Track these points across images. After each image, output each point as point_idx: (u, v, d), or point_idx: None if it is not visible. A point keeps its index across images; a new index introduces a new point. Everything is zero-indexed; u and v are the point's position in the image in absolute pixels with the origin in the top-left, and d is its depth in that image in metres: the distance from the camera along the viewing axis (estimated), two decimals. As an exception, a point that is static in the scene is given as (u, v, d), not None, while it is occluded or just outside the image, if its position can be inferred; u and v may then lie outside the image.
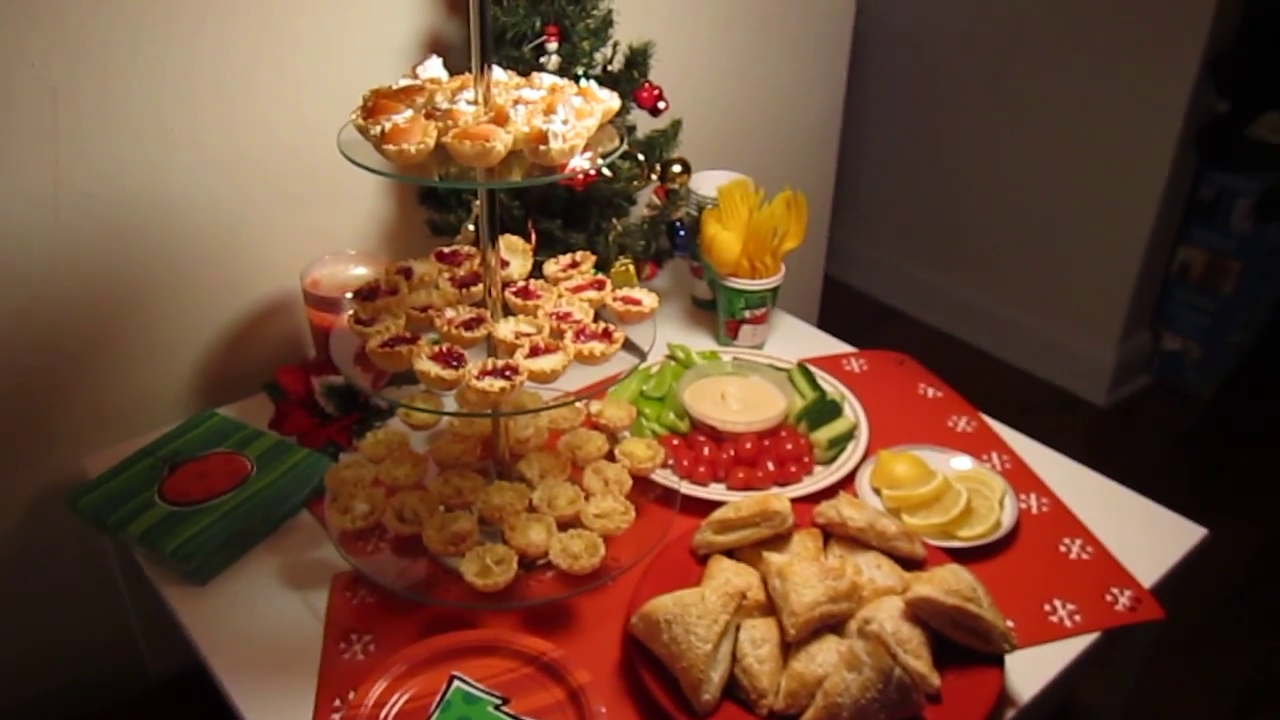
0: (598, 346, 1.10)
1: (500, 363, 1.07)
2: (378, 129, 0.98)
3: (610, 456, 1.31)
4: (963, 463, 1.41)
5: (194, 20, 1.34)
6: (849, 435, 1.44)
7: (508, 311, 1.18)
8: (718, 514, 1.22)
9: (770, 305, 1.64)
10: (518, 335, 1.12)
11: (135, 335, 1.47)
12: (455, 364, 1.07)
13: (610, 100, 1.10)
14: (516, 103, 1.04)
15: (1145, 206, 2.75)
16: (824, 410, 1.46)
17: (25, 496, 1.47)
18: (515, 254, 1.28)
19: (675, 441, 1.42)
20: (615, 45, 1.53)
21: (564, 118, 1.01)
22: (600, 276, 1.23)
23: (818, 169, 2.34)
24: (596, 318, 1.16)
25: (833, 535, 1.24)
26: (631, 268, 1.54)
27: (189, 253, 1.47)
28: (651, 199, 1.64)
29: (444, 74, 1.14)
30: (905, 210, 3.42)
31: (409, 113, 1.02)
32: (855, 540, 1.21)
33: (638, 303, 1.19)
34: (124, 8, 1.29)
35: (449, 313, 1.14)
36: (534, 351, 1.09)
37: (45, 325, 1.40)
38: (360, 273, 1.52)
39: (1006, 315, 3.24)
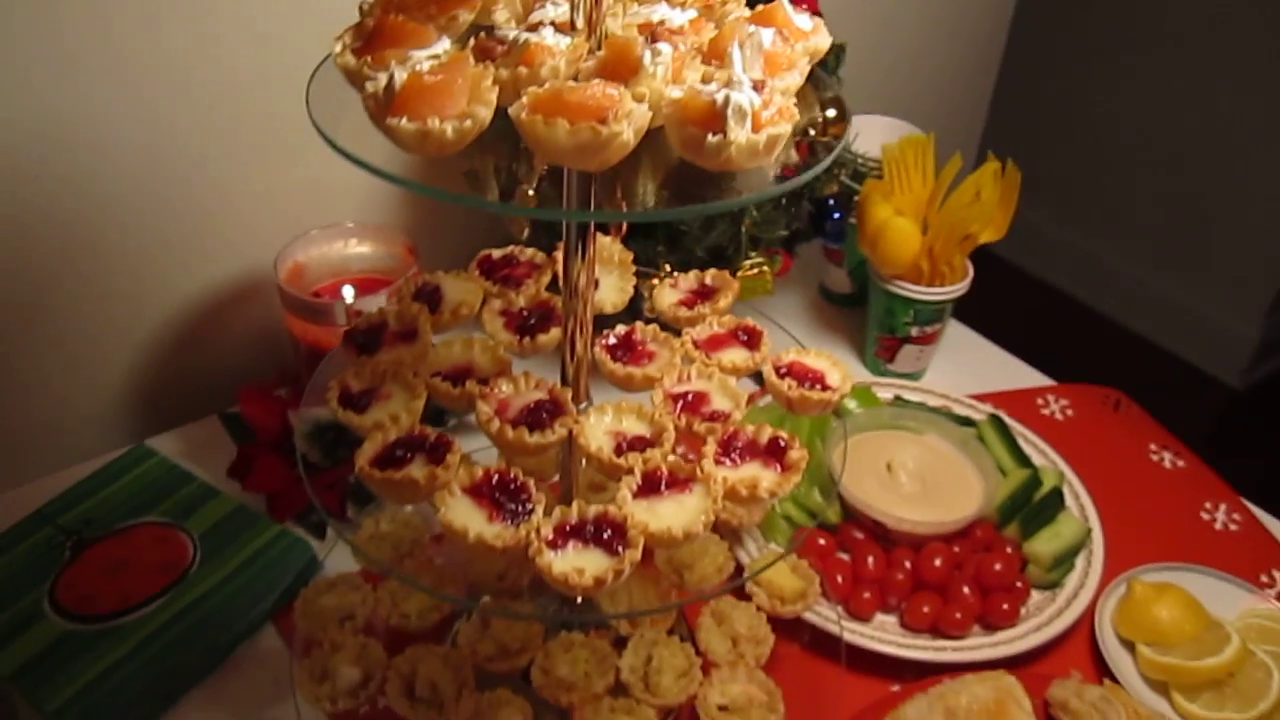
0: (764, 479, 0.63)
1: (593, 511, 0.60)
2: (378, 82, 0.49)
3: (737, 586, 0.85)
4: (1263, 605, 0.94)
5: None
6: (1079, 546, 0.96)
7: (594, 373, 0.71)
8: (914, 712, 0.77)
9: (946, 320, 1.15)
10: (620, 445, 0.64)
11: (40, 335, 1.00)
12: (514, 508, 0.60)
13: (819, 37, 0.61)
14: (652, 35, 0.54)
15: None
16: (1041, 504, 0.98)
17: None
18: (608, 268, 0.80)
19: (822, 541, 0.96)
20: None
21: (748, 76, 0.51)
22: (749, 322, 0.75)
23: (967, 111, 1.81)
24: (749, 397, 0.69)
25: (1091, 750, 0.78)
26: (767, 271, 1.04)
27: (112, 222, 0.98)
28: (789, 155, 1.13)
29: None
30: (1024, 142, 2.87)
31: (444, 45, 0.53)
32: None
33: (818, 377, 0.71)
34: None
35: (503, 387, 0.67)
36: (649, 483, 0.62)
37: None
38: (362, 253, 1.04)
39: (1136, 275, 2.75)
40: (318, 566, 0.94)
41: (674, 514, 0.60)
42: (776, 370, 0.71)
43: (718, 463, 0.64)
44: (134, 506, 0.96)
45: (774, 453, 0.65)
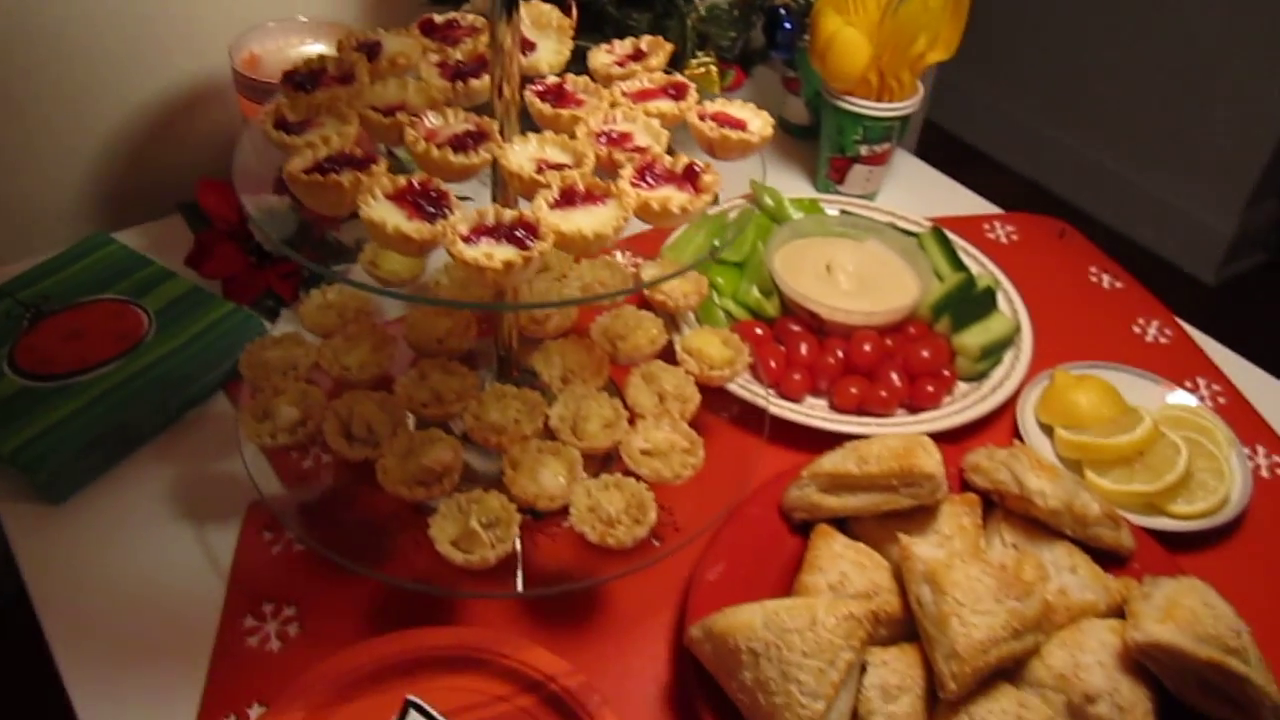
0: (676, 198, 0.65)
1: (509, 215, 0.63)
2: None
3: (668, 354, 0.88)
4: (1178, 398, 0.98)
5: None
6: (1007, 341, 1.00)
7: (527, 125, 0.73)
8: (829, 462, 0.80)
9: (896, 140, 1.17)
10: (541, 167, 0.67)
11: (2, 125, 1.02)
12: (432, 210, 0.63)
13: None
14: None
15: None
16: (974, 302, 1.01)
17: None
18: (546, 32, 0.81)
19: (759, 331, 0.99)
20: None
21: None
22: (679, 78, 0.77)
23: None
24: (671, 149, 0.71)
25: (997, 505, 0.82)
26: (714, 70, 1.06)
27: (76, 14, 0.99)
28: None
29: None
30: (1007, 38, 2.85)
31: None
32: (1033, 521, 0.80)
33: (740, 125, 0.73)
34: None
35: (430, 119, 0.69)
36: (566, 197, 0.65)
37: None
38: (317, 50, 1.05)
39: (1112, 168, 2.76)
40: (269, 341, 0.97)
41: (586, 222, 0.63)
42: (700, 117, 0.73)
43: (634, 185, 0.66)
44: (94, 283, 0.98)
45: (689, 178, 0.67)
